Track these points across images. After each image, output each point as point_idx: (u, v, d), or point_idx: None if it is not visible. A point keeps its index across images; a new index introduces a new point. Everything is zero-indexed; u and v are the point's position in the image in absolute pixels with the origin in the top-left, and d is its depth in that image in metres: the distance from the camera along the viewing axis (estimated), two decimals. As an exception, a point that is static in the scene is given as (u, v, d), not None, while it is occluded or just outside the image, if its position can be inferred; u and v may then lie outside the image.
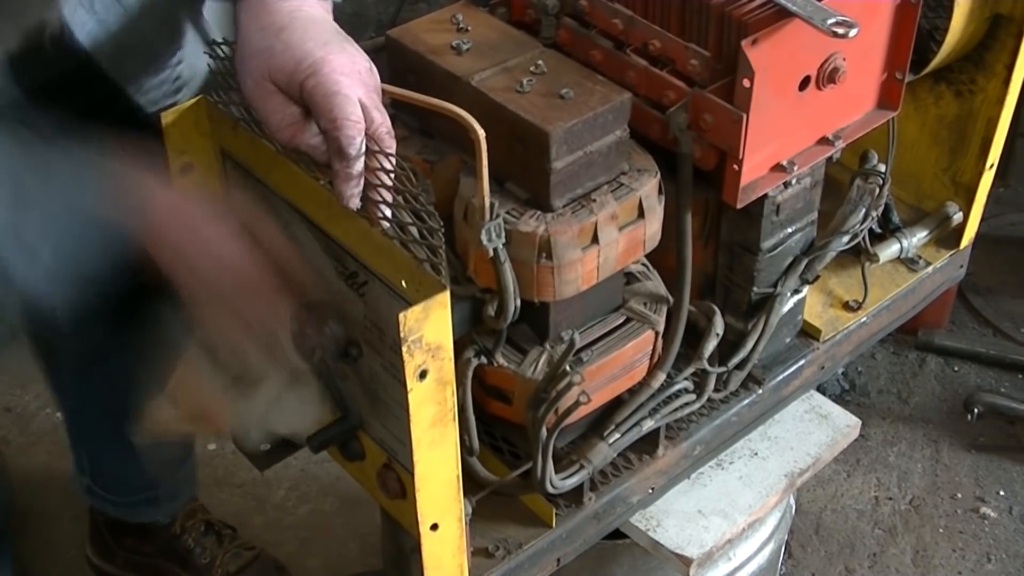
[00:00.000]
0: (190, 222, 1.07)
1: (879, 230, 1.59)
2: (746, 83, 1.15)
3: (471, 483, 1.20)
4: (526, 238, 1.12)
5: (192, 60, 1.31)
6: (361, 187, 1.03)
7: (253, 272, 1.06)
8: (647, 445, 1.33)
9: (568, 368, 1.15)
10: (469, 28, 1.24)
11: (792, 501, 1.69)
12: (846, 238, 1.40)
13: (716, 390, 1.38)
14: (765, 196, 1.27)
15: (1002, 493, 2.29)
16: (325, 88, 1.02)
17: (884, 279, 1.59)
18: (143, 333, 1.15)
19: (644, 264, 1.30)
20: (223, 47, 1.14)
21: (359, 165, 1.02)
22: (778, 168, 1.25)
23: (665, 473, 1.37)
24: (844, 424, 1.54)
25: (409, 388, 0.96)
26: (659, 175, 1.19)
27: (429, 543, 1.09)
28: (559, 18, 1.29)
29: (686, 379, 1.33)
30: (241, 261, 1.06)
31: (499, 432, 1.30)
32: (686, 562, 1.37)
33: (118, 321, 1.38)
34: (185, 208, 1.09)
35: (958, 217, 1.62)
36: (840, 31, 1.12)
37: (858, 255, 1.54)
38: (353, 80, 1.03)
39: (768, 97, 1.17)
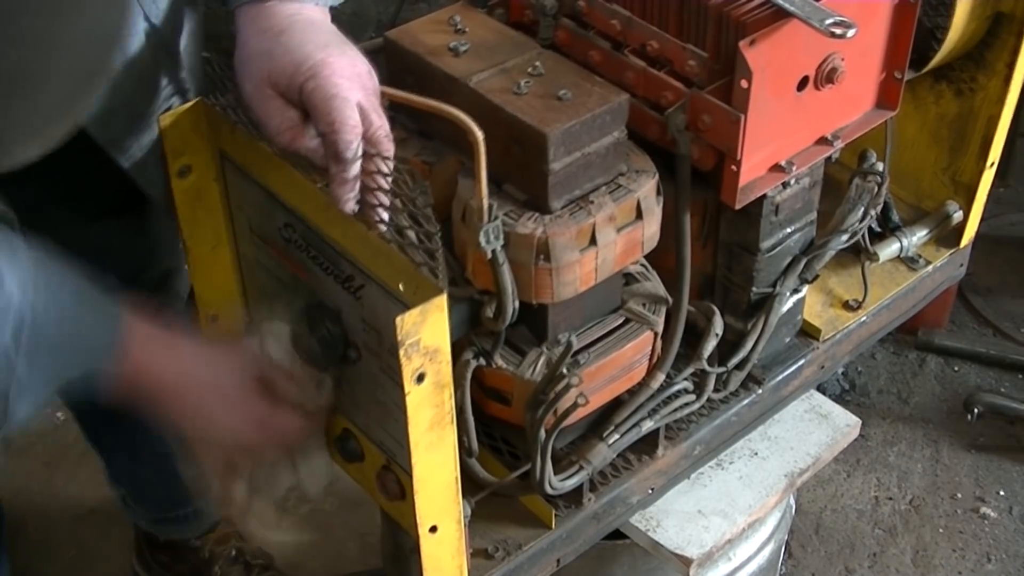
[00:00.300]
0: (187, 381, 1.12)
1: (879, 229, 1.59)
2: (744, 84, 1.14)
3: (470, 484, 1.20)
4: (524, 240, 1.12)
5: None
6: (357, 191, 1.03)
7: (243, 427, 1.14)
8: (647, 446, 1.33)
9: (566, 370, 1.15)
10: (467, 29, 1.24)
11: (792, 501, 1.69)
12: (845, 237, 1.39)
13: (716, 390, 1.38)
14: (764, 196, 1.27)
15: (1002, 493, 2.29)
16: (324, 91, 1.02)
17: (884, 278, 1.58)
18: None
19: (643, 265, 1.30)
20: (220, 51, 1.14)
21: (355, 169, 1.02)
22: (777, 168, 1.25)
23: (665, 473, 1.37)
24: (844, 424, 1.54)
25: (407, 391, 0.96)
26: (657, 176, 1.19)
27: (428, 545, 1.09)
28: (557, 19, 1.29)
29: (685, 379, 1.32)
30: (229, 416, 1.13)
31: (498, 433, 1.30)
32: (686, 562, 1.37)
33: None
34: (181, 365, 1.12)
35: (958, 216, 1.62)
36: (838, 31, 1.12)
37: (858, 254, 1.54)
38: (352, 83, 1.03)
39: (766, 97, 1.17)
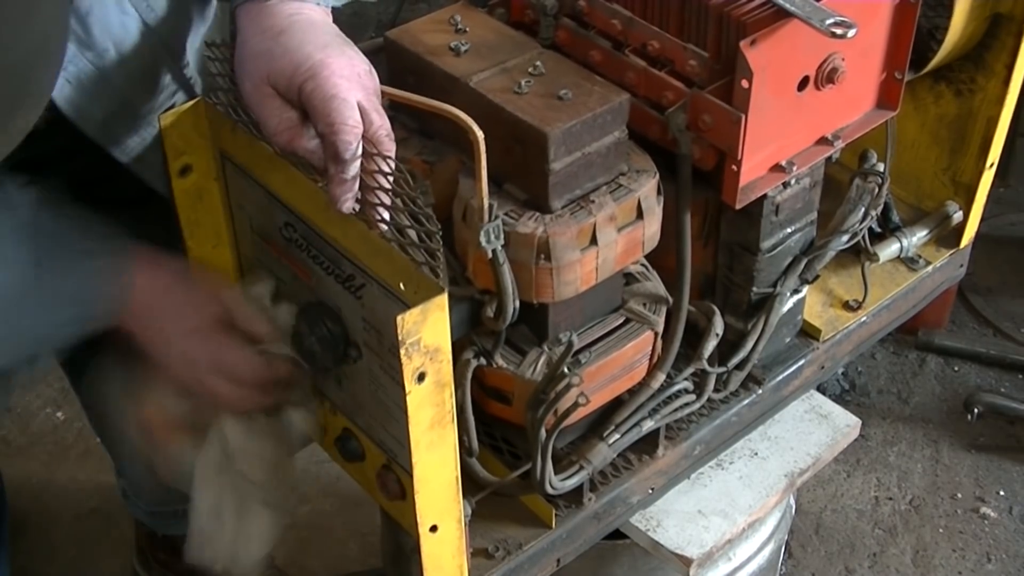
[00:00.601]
0: (171, 314, 1.15)
1: (879, 229, 1.58)
2: (745, 84, 1.14)
3: (471, 484, 1.20)
4: (525, 239, 1.12)
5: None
6: (355, 192, 1.03)
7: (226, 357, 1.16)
8: (647, 445, 1.33)
9: (567, 369, 1.15)
10: (467, 29, 1.24)
11: (792, 501, 1.69)
12: (845, 238, 1.39)
13: (716, 390, 1.38)
14: (764, 196, 1.27)
15: (1002, 493, 2.29)
16: (323, 92, 1.02)
17: (884, 278, 1.58)
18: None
19: (643, 264, 1.30)
20: (221, 49, 1.14)
21: (354, 170, 1.02)
22: (777, 168, 1.25)
23: (665, 473, 1.37)
24: (844, 424, 1.54)
25: (407, 390, 0.96)
26: (658, 176, 1.19)
27: (428, 544, 1.09)
28: (558, 19, 1.29)
29: (686, 379, 1.33)
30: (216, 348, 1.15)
31: (499, 433, 1.30)
32: (686, 562, 1.37)
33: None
34: (165, 299, 1.15)
35: (958, 216, 1.62)
36: (839, 31, 1.12)
37: (858, 254, 1.54)
38: (352, 83, 1.03)
39: (767, 97, 1.17)
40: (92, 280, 1.11)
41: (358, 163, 1.02)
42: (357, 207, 1.05)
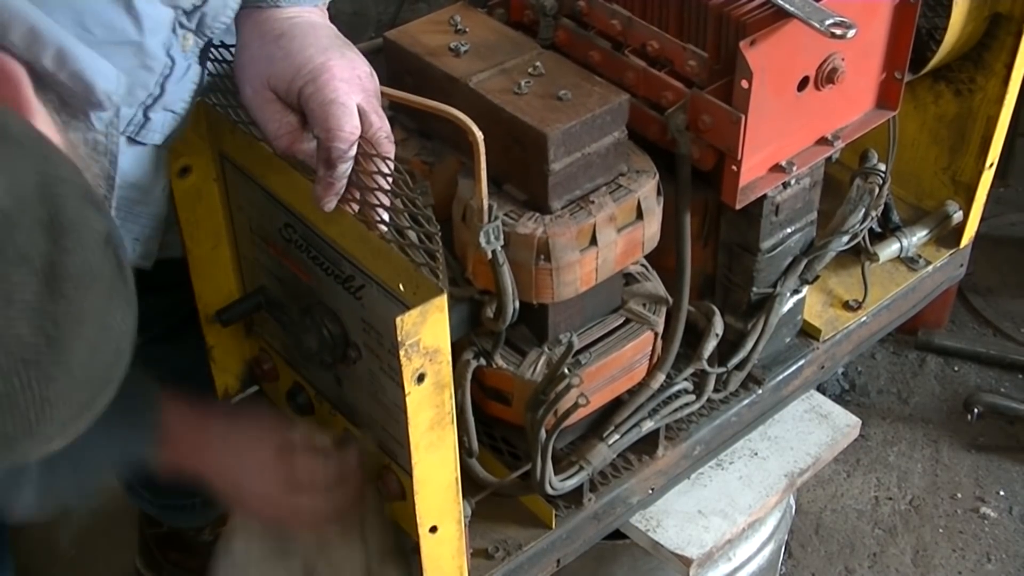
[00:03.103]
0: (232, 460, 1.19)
1: (879, 229, 1.58)
2: (744, 84, 1.14)
3: (471, 484, 1.20)
4: (524, 240, 1.12)
5: None
6: (340, 195, 1.04)
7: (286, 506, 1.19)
8: (647, 446, 1.33)
9: (567, 370, 1.15)
10: (467, 29, 1.23)
11: (792, 501, 1.69)
12: (846, 238, 1.39)
13: (716, 390, 1.38)
14: (764, 196, 1.27)
15: (1002, 493, 2.29)
16: (322, 96, 1.02)
17: (884, 278, 1.58)
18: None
19: (643, 265, 1.30)
20: (221, 51, 1.14)
21: (343, 176, 1.03)
22: (777, 168, 1.25)
23: (665, 473, 1.37)
24: (844, 424, 1.54)
25: (407, 391, 0.96)
26: (657, 176, 1.19)
27: (428, 545, 1.09)
28: (557, 19, 1.29)
29: (686, 380, 1.33)
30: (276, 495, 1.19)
31: (499, 433, 1.30)
32: (686, 562, 1.37)
33: None
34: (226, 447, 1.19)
35: (958, 216, 1.62)
36: (838, 32, 1.12)
37: (858, 254, 1.54)
38: (352, 86, 1.03)
39: (766, 98, 1.17)
40: (124, 442, 1.14)
41: (348, 169, 1.03)
42: (354, 208, 1.05)
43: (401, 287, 0.99)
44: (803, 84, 1.21)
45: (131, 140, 1.08)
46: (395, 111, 1.19)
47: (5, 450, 0.74)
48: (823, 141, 1.28)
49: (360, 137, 1.03)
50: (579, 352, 1.21)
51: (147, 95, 1.06)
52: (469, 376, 1.18)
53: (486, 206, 1.06)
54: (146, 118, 1.07)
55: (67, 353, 0.74)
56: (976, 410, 2.35)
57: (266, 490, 1.19)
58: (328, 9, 1.14)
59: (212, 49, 1.15)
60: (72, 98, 0.96)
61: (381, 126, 1.03)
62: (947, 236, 1.64)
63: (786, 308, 1.39)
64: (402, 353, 0.94)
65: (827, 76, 1.21)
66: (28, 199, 0.72)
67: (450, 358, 0.98)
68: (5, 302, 0.69)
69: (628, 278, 1.29)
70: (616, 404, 1.29)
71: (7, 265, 0.70)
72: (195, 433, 1.19)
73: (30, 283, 0.70)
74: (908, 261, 1.61)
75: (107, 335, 0.79)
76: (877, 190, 1.41)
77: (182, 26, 1.05)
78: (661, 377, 1.29)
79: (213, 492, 1.20)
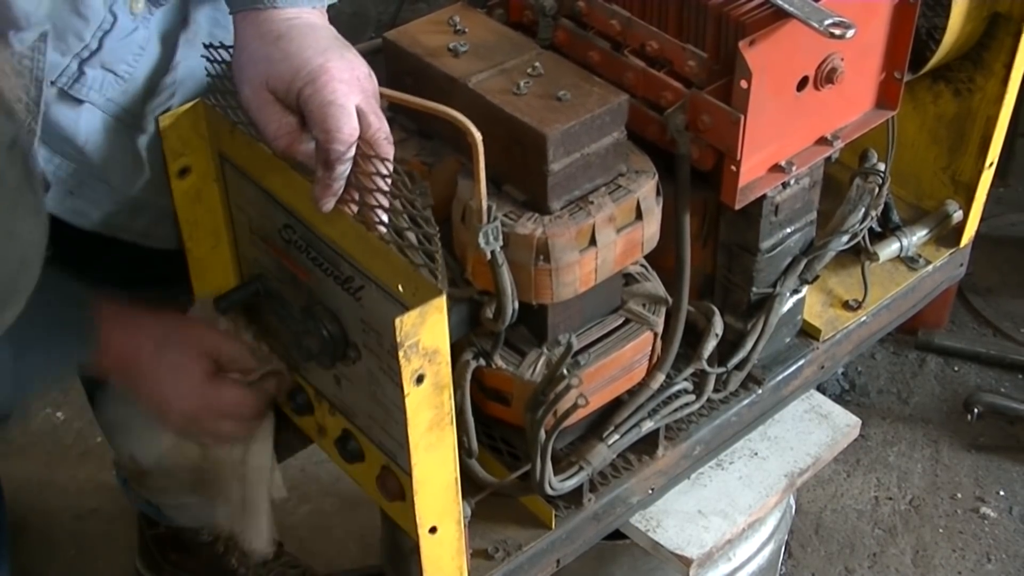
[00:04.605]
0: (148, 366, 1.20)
1: (879, 229, 1.58)
2: (744, 84, 1.14)
3: (470, 485, 1.20)
4: (524, 240, 1.12)
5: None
6: (338, 196, 1.04)
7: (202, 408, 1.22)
8: (647, 446, 1.33)
9: (566, 371, 1.15)
10: (466, 30, 1.23)
11: (792, 501, 1.69)
12: (845, 238, 1.39)
13: (716, 390, 1.37)
14: (764, 196, 1.27)
15: (1002, 493, 2.29)
16: (321, 97, 1.02)
17: (884, 278, 1.58)
18: None
19: (643, 265, 1.30)
20: (220, 51, 1.14)
21: (341, 177, 1.03)
22: (776, 168, 1.25)
23: (665, 474, 1.37)
24: (844, 424, 1.54)
25: (406, 392, 0.96)
26: (657, 176, 1.19)
27: (428, 545, 1.09)
28: (557, 19, 1.29)
29: (685, 380, 1.32)
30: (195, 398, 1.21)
31: (498, 433, 1.30)
32: (686, 562, 1.37)
33: None
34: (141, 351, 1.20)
35: (958, 215, 1.62)
36: (837, 32, 1.12)
37: (858, 254, 1.54)
38: (351, 87, 1.03)
39: (766, 98, 1.17)
40: (66, 350, 1.16)
41: (347, 170, 1.03)
42: (353, 209, 1.05)
43: (400, 288, 0.99)
44: (802, 84, 1.21)
45: (65, 94, 1.08)
46: (394, 112, 1.19)
47: None
48: (822, 141, 1.28)
49: (359, 138, 1.03)
50: (578, 352, 1.21)
51: (81, 46, 1.05)
52: (468, 376, 1.18)
53: (485, 207, 1.07)
54: (80, 71, 1.07)
55: None
56: (976, 410, 2.35)
57: (190, 410, 1.22)
58: (328, 11, 1.14)
59: (211, 49, 1.15)
60: None
61: (380, 127, 1.03)
62: (947, 236, 1.63)
63: (786, 308, 1.39)
64: (401, 354, 0.94)
65: (826, 76, 1.21)
66: None
67: (449, 359, 0.98)
68: None
69: (628, 278, 1.29)
70: (616, 404, 1.29)
71: None
72: (129, 346, 1.19)
73: None
74: (908, 261, 1.61)
75: (13, 243, 0.79)
76: (877, 190, 1.40)
77: None
78: (661, 377, 1.29)
79: (129, 387, 1.22)
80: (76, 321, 1.14)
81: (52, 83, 1.08)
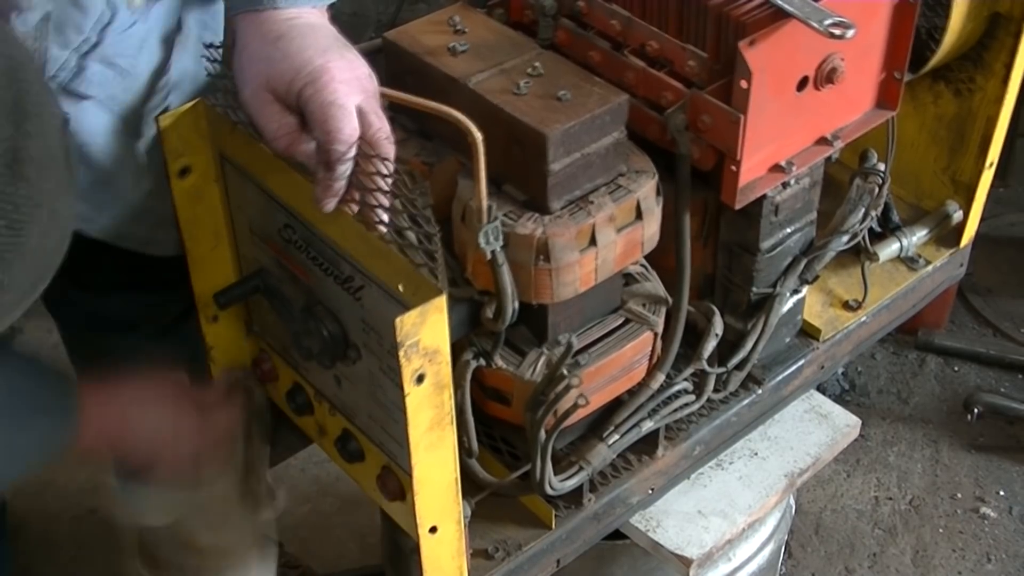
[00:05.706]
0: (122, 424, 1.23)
1: (879, 229, 1.58)
2: (744, 84, 1.14)
3: (470, 484, 1.20)
4: (524, 240, 1.12)
5: None
6: (339, 196, 1.04)
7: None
8: (646, 446, 1.33)
9: (566, 370, 1.15)
10: (466, 30, 1.23)
11: (792, 501, 1.69)
12: (845, 238, 1.39)
13: (716, 390, 1.37)
14: (764, 196, 1.27)
15: (1002, 493, 2.29)
16: (322, 98, 1.02)
17: (884, 278, 1.58)
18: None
19: (643, 265, 1.30)
20: (219, 51, 1.14)
21: (342, 177, 1.03)
22: (776, 168, 1.25)
23: (665, 474, 1.37)
24: (844, 424, 1.54)
25: (406, 392, 0.96)
26: (657, 176, 1.19)
27: (428, 545, 1.09)
28: (557, 19, 1.29)
29: (685, 380, 1.32)
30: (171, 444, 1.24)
31: (498, 433, 1.30)
32: (686, 562, 1.37)
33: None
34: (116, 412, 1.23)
35: (958, 216, 1.62)
36: (837, 32, 1.12)
37: (858, 254, 1.54)
38: (351, 87, 1.03)
39: (766, 98, 1.17)
40: (48, 433, 1.18)
41: (348, 170, 1.03)
42: (354, 209, 1.05)
43: (400, 288, 0.99)
44: (802, 84, 1.21)
45: (66, 91, 1.08)
46: (395, 111, 1.18)
47: None
48: (822, 141, 1.28)
49: (359, 138, 1.03)
50: (578, 352, 1.21)
51: (80, 39, 1.05)
52: (469, 376, 1.18)
53: (485, 206, 1.06)
54: (80, 66, 1.07)
55: (23, 236, 0.75)
56: (976, 410, 2.35)
57: (188, 450, 1.25)
58: (328, 11, 1.14)
59: (211, 49, 1.15)
60: None
61: (380, 127, 1.03)
62: (947, 236, 1.63)
63: (786, 308, 1.39)
64: (401, 354, 0.94)
65: (826, 76, 1.21)
66: None
67: (449, 358, 0.98)
68: None
69: (628, 278, 1.29)
70: (616, 404, 1.29)
71: None
72: (112, 417, 1.22)
73: None
74: (908, 261, 1.61)
75: (56, 220, 0.80)
76: (877, 190, 1.40)
77: None
78: (661, 377, 1.29)
79: (130, 458, 1.26)
80: (58, 408, 1.17)
81: (52, 78, 1.08)
